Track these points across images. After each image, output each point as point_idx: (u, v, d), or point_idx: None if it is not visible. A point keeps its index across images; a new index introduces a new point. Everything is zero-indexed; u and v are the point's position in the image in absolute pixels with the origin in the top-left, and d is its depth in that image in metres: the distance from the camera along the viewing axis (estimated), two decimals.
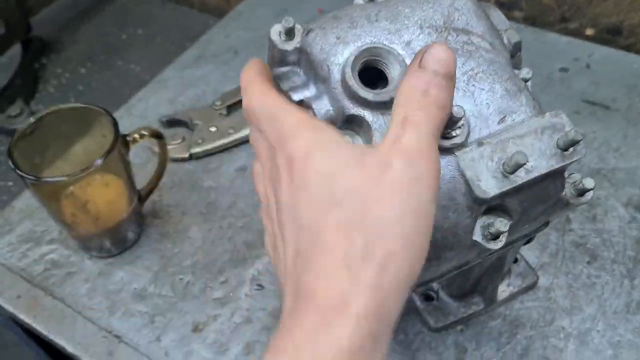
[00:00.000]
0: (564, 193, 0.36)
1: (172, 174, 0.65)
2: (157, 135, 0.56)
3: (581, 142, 0.33)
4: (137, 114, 0.73)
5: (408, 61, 0.34)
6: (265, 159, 0.34)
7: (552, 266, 0.54)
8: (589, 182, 0.36)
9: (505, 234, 0.34)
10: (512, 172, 0.33)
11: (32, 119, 0.53)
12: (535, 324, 0.51)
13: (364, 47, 0.33)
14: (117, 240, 0.58)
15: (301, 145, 0.29)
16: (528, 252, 0.55)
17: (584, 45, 0.76)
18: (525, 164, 0.32)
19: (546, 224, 0.41)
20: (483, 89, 0.34)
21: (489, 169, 0.33)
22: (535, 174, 0.33)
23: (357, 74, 0.33)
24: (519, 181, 0.33)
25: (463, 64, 0.34)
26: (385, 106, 0.32)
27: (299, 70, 0.35)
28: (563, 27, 0.79)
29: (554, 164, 0.33)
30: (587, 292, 0.53)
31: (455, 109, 0.31)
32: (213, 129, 0.68)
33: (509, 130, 0.33)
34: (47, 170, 0.54)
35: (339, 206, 0.28)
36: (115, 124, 0.52)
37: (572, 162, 0.33)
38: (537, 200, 0.35)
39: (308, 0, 0.86)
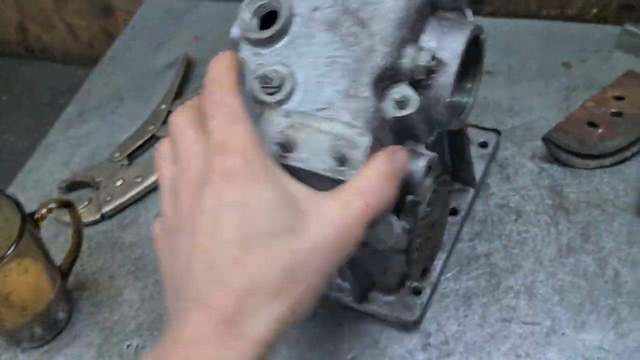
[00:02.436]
0: None
1: (87, 240, 0.61)
2: (67, 205, 0.52)
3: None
4: (31, 187, 0.69)
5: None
6: (191, 152, 0.32)
7: (485, 232, 0.57)
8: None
9: None
10: (285, 152, 0.35)
11: None
12: (485, 291, 0.53)
13: None
14: (48, 325, 0.54)
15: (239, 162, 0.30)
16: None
17: None
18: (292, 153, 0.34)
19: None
20: (330, 78, 0.36)
21: (271, 137, 0.35)
22: (303, 166, 0.34)
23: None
24: (287, 162, 0.34)
25: (339, 49, 0.36)
26: None
27: None
28: None
29: (323, 169, 0.34)
30: (521, 248, 0.55)
31: (272, 73, 0.35)
32: (119, 182, 0.65)
33: (318, 120, 0.35)
34: None
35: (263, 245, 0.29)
36: (18, 205, 0.48)
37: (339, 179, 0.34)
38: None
39: (180, 31, 0.84)
